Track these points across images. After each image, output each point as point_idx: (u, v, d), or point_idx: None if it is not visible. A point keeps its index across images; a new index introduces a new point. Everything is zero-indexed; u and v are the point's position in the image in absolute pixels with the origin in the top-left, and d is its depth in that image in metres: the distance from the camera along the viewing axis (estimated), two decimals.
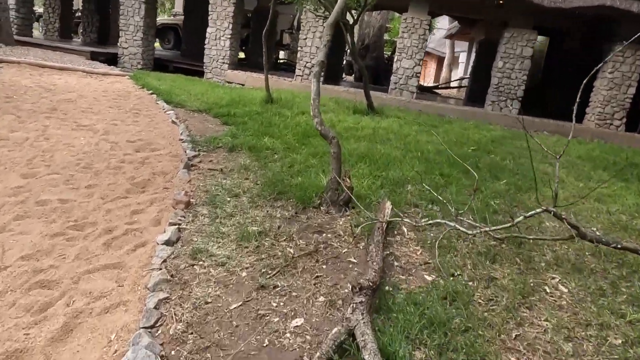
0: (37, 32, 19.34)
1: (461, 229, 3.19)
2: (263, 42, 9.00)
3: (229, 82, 13.00)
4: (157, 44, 24.31)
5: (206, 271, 2.96)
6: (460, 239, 3.61)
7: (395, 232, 3.70)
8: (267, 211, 3.91)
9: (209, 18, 12.93)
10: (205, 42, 13.07)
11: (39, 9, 19.30)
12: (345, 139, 6.49)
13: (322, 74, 3.76)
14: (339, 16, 4.27)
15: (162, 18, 24.49)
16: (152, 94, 8.95)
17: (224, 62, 13.05)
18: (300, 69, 12.71)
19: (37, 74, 9.14)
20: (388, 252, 3.35)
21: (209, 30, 12.98)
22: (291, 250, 3.28)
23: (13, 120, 5.93)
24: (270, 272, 2.98)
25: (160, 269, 2.95)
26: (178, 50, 18.59)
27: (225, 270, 2.98)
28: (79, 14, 19.15)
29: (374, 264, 2.90)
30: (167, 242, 3.29)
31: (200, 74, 13.36)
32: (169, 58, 14.63)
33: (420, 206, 4.20)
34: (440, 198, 3.83)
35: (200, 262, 3.05)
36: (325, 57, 4.20)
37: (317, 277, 2.99)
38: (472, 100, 14.62)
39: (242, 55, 18.57)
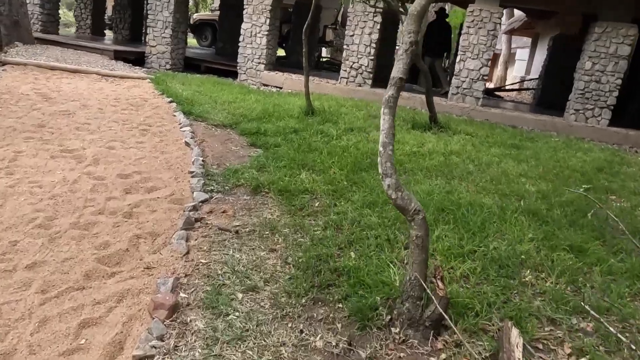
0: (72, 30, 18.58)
1: None
2: (303, 40, 7.41)
3: (264, 85, 11.52)
4: (194, 41, 23.24)
5: None
6: None
7: None
8: (302, 331, 2.32)
9: (244, 13, 11.48)
10: (240, 40, 11.64)
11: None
12: (410, 171, 4.82)
13: (394, 99, 2.12)
14: (428, 4, 2.59)
15: (199, 13, 23.39)
16: (171, 102, 7.55)
17: (259, 62, 11.57)
18: (345, 70, 11.07)
19: (43, 78, 7.93)
20: None
21: (243, 26, 11.53)
22: None
23: None
24: None
25: None
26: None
27: None
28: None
29: None
30: None
31: (235, 75, 11.96)
32: (201, 57, 13.32)
33: (558, 323, 2.49)
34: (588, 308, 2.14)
35: None
36: (406, 71, 2.54)
37: None
38: (543, 106, 12.54)
39: (281, 52, 17.12)
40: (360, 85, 11.02)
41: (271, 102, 8.04)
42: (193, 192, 4.02)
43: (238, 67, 11.78)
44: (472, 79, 10.47)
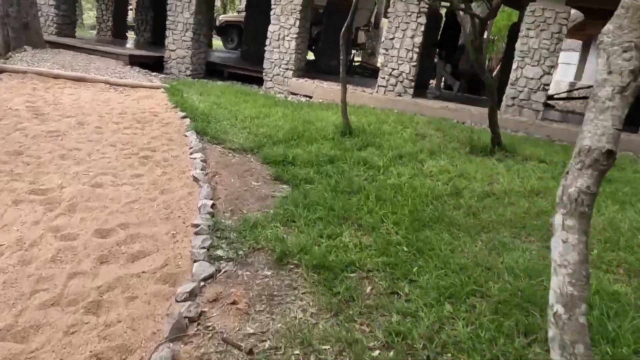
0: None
1: None
2: (341, 47, 6.21)
3: (292, 94, 10.37)
4: (220, 43, 22.32)
5: None
6: None
7: None
8: None
9: (272, 14, 10.36)
10: (266, 44, 10.53)
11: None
12: (490, 226, 3.55)
13: (590, 198, 0.69)
14: None
15: (225, 15, 22.50)
16: (184, 117, 6.47)
17: (287, 68, 10.43)
18: (384, 78, 9.82)
19: (42, 88, 6.96)
20: None
21: (270, 28, 10.41)
22: None
23: None
24: None
25: None
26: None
27: None
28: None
29: None
30: None
31: (260, 81, 10.85)
32: (225, 62, 12.28)
33: None
34: None
35: None
36: (617, 138, 1.27)
37: None
38: None
39: (310, 55, 15.97)
40: (400, 95, 9.76)
41: (301, 117, 6.87)
42: (194, 263, 2.87)
43: (264, 74, 10.67)
44: (531, 89, 9.08)
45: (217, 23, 20.46)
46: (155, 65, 11.25)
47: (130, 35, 17.27)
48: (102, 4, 15.94)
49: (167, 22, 11.08)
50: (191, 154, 4.96)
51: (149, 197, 3.81)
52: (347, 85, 10.45)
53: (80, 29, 21.74)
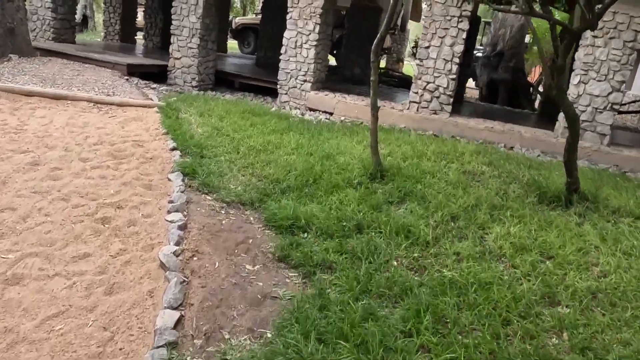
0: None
1: None
2: (372, 65, 4.82)
3: (310, 110, 9.05)
4: (234, 44, 21.13)
5: None
6: None
7: None
8: None
9: (288, 18, 9.05)
10: (282, 51, 9.22)
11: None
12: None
13: None
14: None
15: (242, 17, 21.34)
16: (174, 149, 5.19)
17: (305, 80, 9.11)
18: (417, 93, 8.41)
19: (8, 110, 5.77)
20: None
21: (286, 34, 9.11)
22: None
23: None
24: None
25: None
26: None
27: None
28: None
29: None
30: None
31: (276, 93, 9.55)
32: (236, 71, 11.01)
33: None
34: None
35: None
36: None
37: None
38: None
39: (330, 59, 14.62)
40: (435, 113, 8.35)
41: (319, 148, 5.53)
42: None
43: (278, 86, 9.37)
44: (597, 109, 7.57)
45: (234, 26, 19.30)
46: (159, 75, 10.06)
47: (141, 39, 16.19)
48: (110, 6, 14.90)
49: (172, 27, 9.88)
50: (169, 212, 3.67)
51: (85, 304, 2.51)
52: (367, 100, 9.09)
53: (92, 33, 20.87)
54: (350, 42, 12.70)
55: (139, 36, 16.37)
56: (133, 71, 9.34)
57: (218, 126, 6.13)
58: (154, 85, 9.12)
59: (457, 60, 8.14)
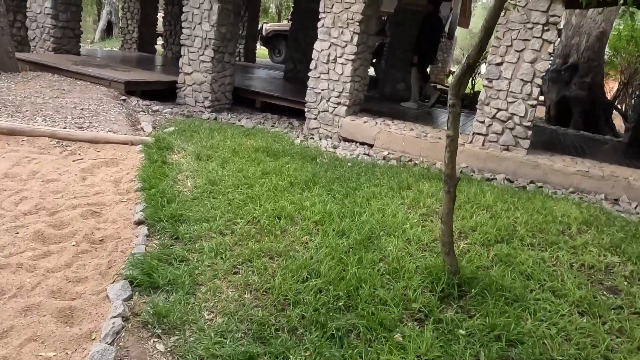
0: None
1: None
2: (450, 100, 2.97)
3: (346, 140, 7.26)
4: (262, 49, 19.55)
5: None
6: None
7: None
8: None
9: (319, 25, 7.30)
10: (311, 67, 7.48)
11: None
12: None
13: None
14: None
15: (273, 23, 19.80)
16: (140, 223, 3.49)
17: (339, 103, 7.32)
18: (483, 122, 6.49)
19: None
20: None
21: (317, 46, 7.35)
22: None
23: None
24: None
25: None
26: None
27: None
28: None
29: None
30: None
31: (304, 114, 7.82)
32: (257, 88, 9.33)
33: None
34: None
35: None
36: None
37: None
38: None
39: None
40: (508, 149, 6.40)
41: (355, 221, 3.72)
42: None
43: (306, 109, 7.62)
44: None
45: (264, 32, 17.79)
46: (168, 92, 8.50)
47: (161, 48, 14.83)
48: (127, 12, 13.59)
49: (182, 37, 8.30)
50: None
51: None
52: (421, 127, 7.19)
53: (116, 40, 19.71)
54: (393, 52, 10.84)
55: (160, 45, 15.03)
56: (133, 89, 7.79)
57: (216, 177, 4.40)
58: (157, 107, 7.53)
59: (538, 81, 6.18)
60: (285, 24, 18.52)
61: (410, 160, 6.59)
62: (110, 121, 5.77)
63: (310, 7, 10.95)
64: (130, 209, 3.78)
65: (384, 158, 6.58)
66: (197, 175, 4.51)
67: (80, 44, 10.29)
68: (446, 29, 16.31)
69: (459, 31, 19.76)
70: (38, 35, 9.72)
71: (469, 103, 12.41)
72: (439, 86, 13.27)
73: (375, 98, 10.10)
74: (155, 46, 14.45)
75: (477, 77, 12.16)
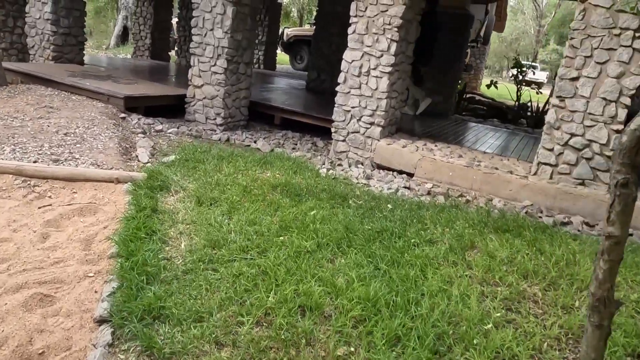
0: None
1: None
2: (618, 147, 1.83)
3: (381, 167, 6.11)
4: (282, 55, 18.51)
5: None
6: None
7: None
8: None
9: (350, 31, 6.18)
10: (339, 80, 6.35)
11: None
12: None
13: None
14: None
15: (295, 28, 18.78)
16: (102, 321, 2.41)
17: (372, 123, 6.18)
18: (551, 150, 5.26)
19: None
20: None
21: (347, 55, 6.23)
22: None
23: None
24: None
25: None
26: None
27: None
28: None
29: None
30: None
31: (330, 132, 6.74)
32: (276, 102, 8.24)
33: None
34: None
35: None
36: None
37: None
38: None
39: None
40: (583, 183, 5.16)
41: (410, 312, 2.59)
42: None
43: (333, 129, 6.49)
44: None
45: (285, 38, 16.80)
46: (177, 108, 7.49)
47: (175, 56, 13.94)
48: (140, 17, 12.71)
49: (191, 45, 7.28)
50: None
51: None
52: (471, 153, 5.97)
53: (131, 46, 18.95)
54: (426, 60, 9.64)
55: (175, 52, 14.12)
56: (134, 105, 6.79)
57: (219, 236, 3.31)
58: (161, 126, 6.51)
59: (626, 100, 4.94)
60: (307, 29, 17.49)
61: (461, 195, 5.41)
62: (97, 149, 4.74)
63: (335, 11, 9.87)
64: (95, 291, 2.72)
65: (429, 192, 5.41)
66: (195, 231, 3.42)
67: (84, 52, 9.39)
68: (481, 32, 15.03)
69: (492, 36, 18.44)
70: (37, 43, 8.85)
71: (500, 113, 11.14)
72: (477, 97, 11.99)
73: (407, 115, 8.94)
74: (170, 53, 13.56)
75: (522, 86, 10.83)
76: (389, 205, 4.50)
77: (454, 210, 4.55)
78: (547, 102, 10.32)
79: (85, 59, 10.27)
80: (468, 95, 11.63)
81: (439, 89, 9.34)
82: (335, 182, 5.13)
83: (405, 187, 5.47)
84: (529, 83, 12.39)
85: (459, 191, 5.57)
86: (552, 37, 46.10)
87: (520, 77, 10.53)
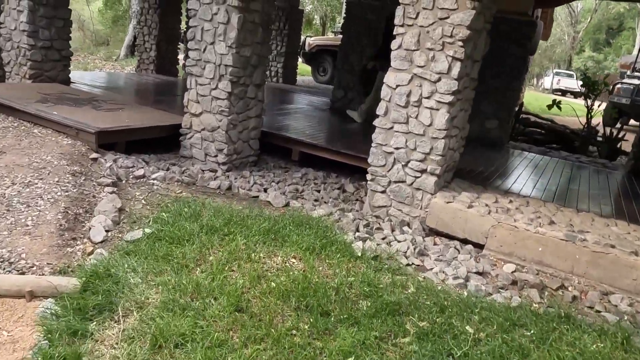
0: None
1: None
2: None
3: (437, 233, 4.42)
4: (303, 66, 16.87)
5: None
6: None
7: None
8: None
9: (394, 46, 4.51)
10: (379, 112, 4.68)
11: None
12: None
13: None
14: None
15: (317, 37, 17.20)
16: None
17: (424, 170, 4.49)
18: None
19: None
20: None
21: (389, 79, 4.55)
22: None
23: None
24: None
25: None
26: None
27: None
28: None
29: None
30: None
31: (361, 172, 5.10)
32: (294, 132, 6.62)
33: None
34: None
35: None
36: None
37: None
38: None
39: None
40: None
41: None
42: None
43: (370, 177, 4.81)
44: None
45: (307, 48, 15.27)
46: (170, 140, 5.96)
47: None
48: (144, 26, 11.31)
49: (187, 62, 5.75)
50: None
51: None
52: (559, 217, 4.15)
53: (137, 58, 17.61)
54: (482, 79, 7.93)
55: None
56: (111, 141, 5.25)
57: None
58: (142, 171, 4.94)
59: None
60: (331, 38, 15.93)
61: (562, 286, 3.69)
62: (24, 226, 3.18)
63: (368, 18, 8.25)
64: None
65: (513, 282, 3.70)
66: None
67: (70, 69, 7.95)
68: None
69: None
70: (13, 58, 7.45)
71: (559, 138, 9.32)
72: (531, 118, 10.16)
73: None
74: (178, 67, 12.13)
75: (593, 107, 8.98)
76: (467, 327, 2.81)
77: (565, 326, 2.86)
78: (620, 125, 8.46)
79: (77, 75, 8.89)
80: (522, 116, 9.81)
81: (495, 112, 7.61)
82: (378, 270, 3.47)
83: (476, 273, 3.77)
84: (564, 92, 10.61)
85: (553, 275, 3.86)
86: (586, 43, 43.68)
87: (592, 97, 8.69)
